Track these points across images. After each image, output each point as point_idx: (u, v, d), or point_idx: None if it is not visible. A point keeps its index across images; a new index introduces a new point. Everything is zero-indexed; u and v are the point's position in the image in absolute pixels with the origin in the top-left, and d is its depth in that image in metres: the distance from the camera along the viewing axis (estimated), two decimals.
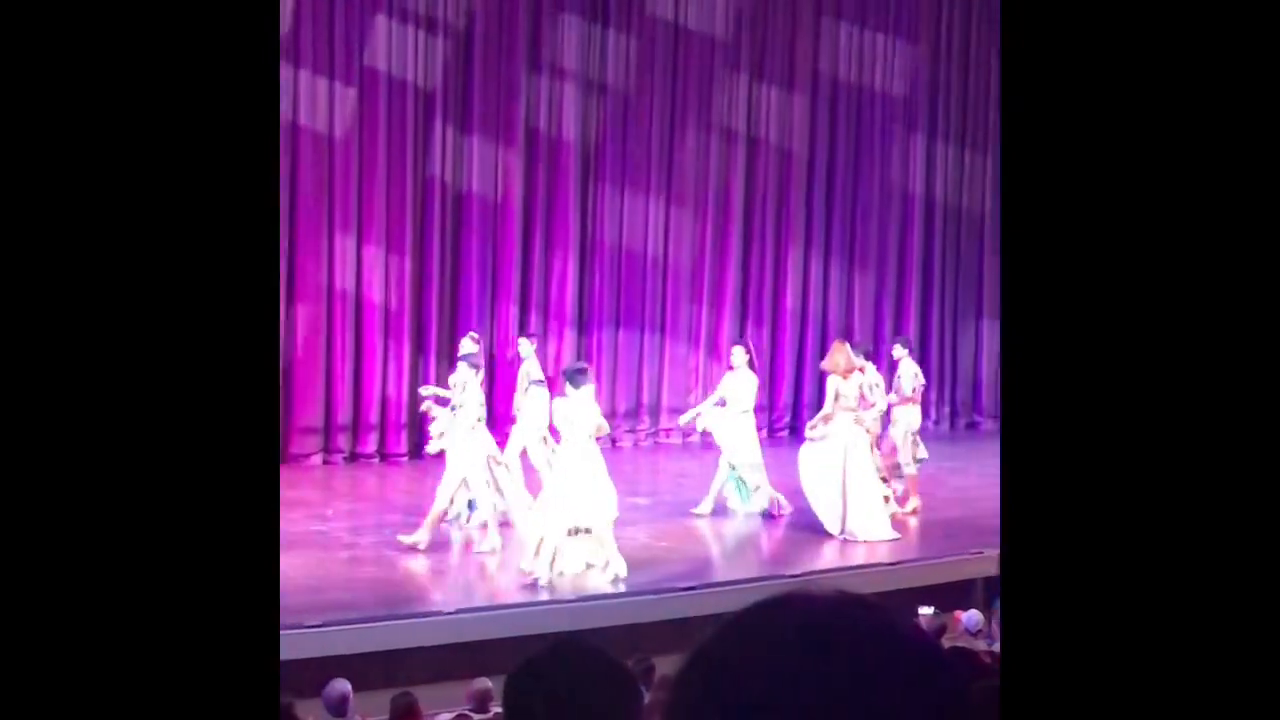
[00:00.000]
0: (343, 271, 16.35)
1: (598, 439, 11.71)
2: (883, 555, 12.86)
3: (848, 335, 16.60)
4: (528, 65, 17.32)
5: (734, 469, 14.05)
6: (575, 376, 11.72)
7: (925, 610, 10.76)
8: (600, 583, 11.54)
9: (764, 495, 13.99)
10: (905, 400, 14.53)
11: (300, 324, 16.12)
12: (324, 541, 12.70)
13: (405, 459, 16.54)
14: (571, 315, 17.84)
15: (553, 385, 13.53)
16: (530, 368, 13.95)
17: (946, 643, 9.39)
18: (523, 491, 13.25)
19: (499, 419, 14.96)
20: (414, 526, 12.33)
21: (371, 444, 16.64)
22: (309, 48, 16.03)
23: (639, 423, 18.48)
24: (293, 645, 9.56)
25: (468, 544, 12.75)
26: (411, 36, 16.62)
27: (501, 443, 13.46)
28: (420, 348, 16.84)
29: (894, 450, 14.43)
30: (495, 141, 17.19)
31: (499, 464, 12.80)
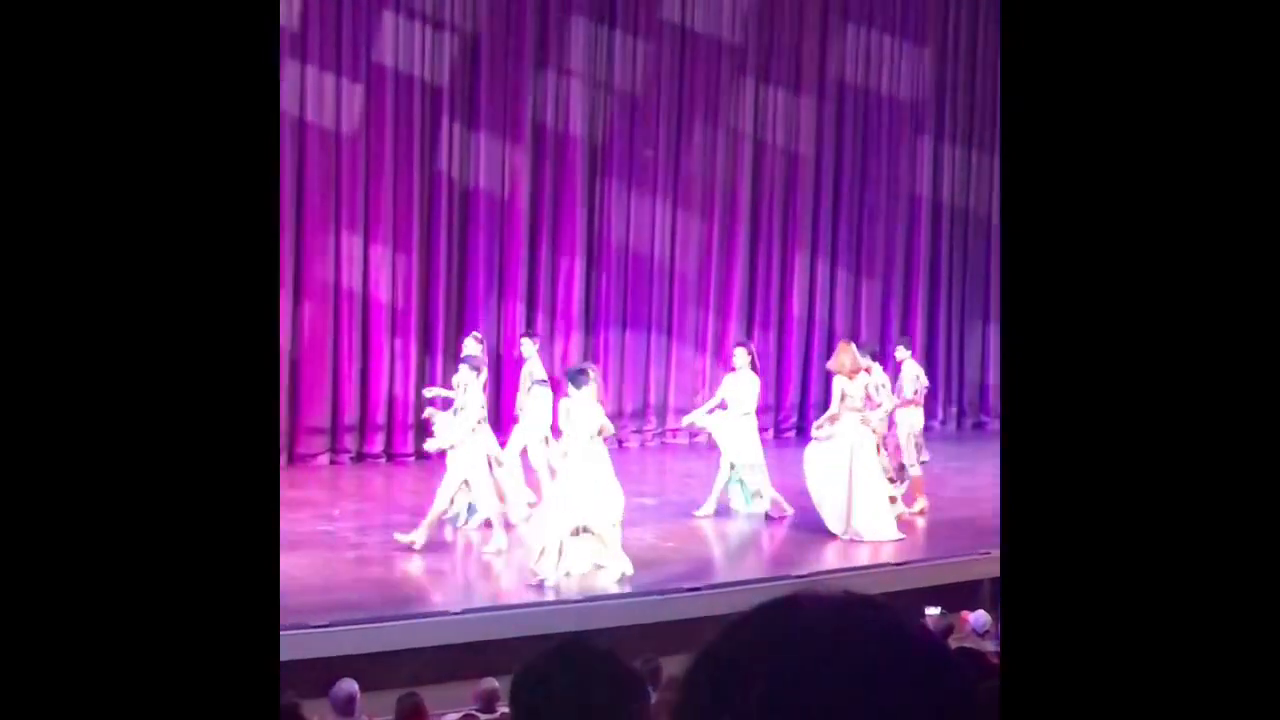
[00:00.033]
0: (349, 270, 16.36)
1: (604, 439, 11.72)
2: (888, 555, 12.86)
3: (854, 336, 16.59)
4: (535, 64, 17.32)
5: (734, 469, 14.02)
6: (576, 377, 11.76)
7: (932, 610, 10.75)
8: (606, 583, 11.54)
9: (765, 498, 13.95)
10: (907, 402, 14.52)
11: (307, 323, 16.12)
12: (331, 542, 12.71)
13: (412, 459, 16.54)
14: (578, 315, 17.84)
15: (557, 386, 13.52)
16: (533, 368, 13.95)
17: (953, 643, 9.38)
18: (522, 490, 13.24)
19: (504, 418, 14.96)
20: (418, 527, 12.35)
21: (378, 444, 16.65)
22: (316, 44, 16.01)
23: (645, 423, 18.48)
24: (299, 645, 9.58)
25: (468, 545, 12.75)
26: (419, 33, 16.61)
27: (504, 443, 13.47)
28: (427, 347, 16.84)
29: (898, 451, 14.42)
30: (502, 140, 17.19)
31: (499, 464, 12.80)
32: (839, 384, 13.44)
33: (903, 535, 13.38)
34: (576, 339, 17.79)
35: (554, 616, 10.69)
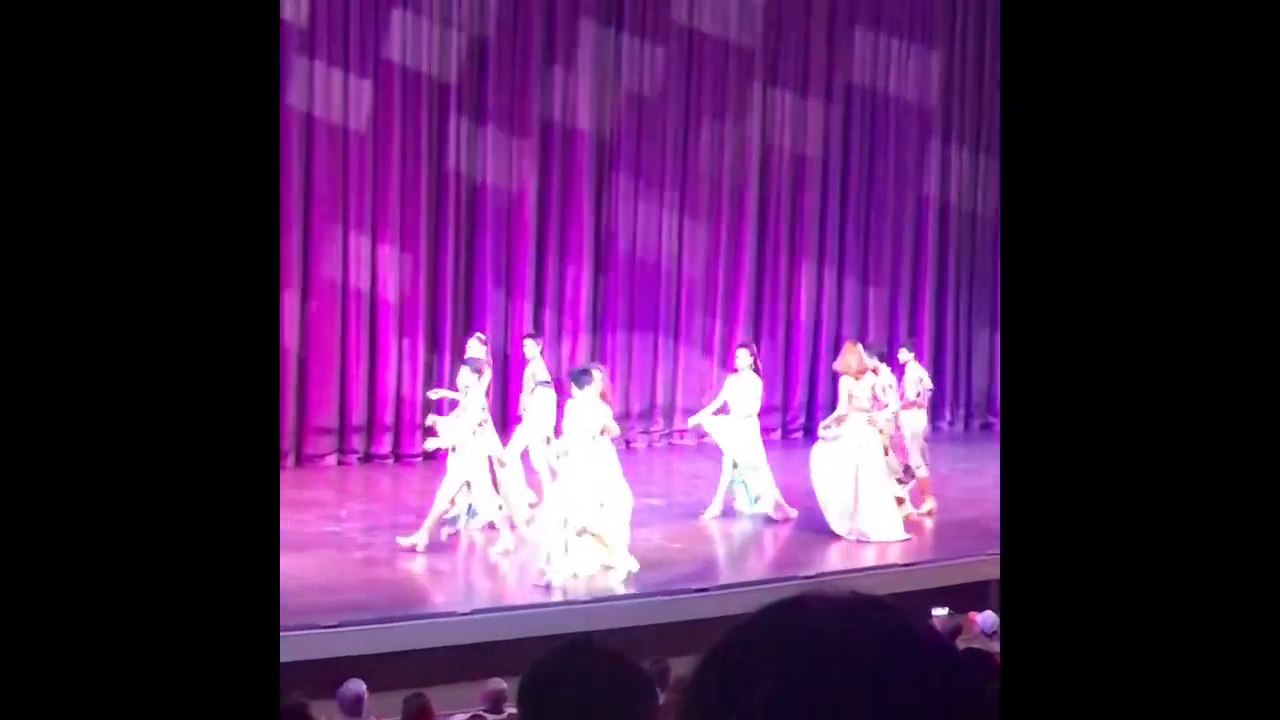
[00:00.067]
0: (357, 270, 16.35)
1: (611, 440, 11.72)
2: (896, 556, 12.85)
3: (861, 337, 16.58)
4: (543, 63, 17.31)
5: (737, 467, 13.99)
6: (579, 377, 11.79)
7: (939, 611, 10.74)
8: (614, 583, 11.55)
9: (768, 501, 13.90)
10: (910, 404, 14.50)
11: (314, 323, 16.12)
12: (338, 542, 12.72)
13: (419, 460, 16.54)
14: (586, 315, 17.83)
15: (561, 387, 13.52)
16: (536, 369, 13.95)
17: (961, 644, 9.37)
18: (523, 490, 13.23)
19: (510, 418, 14.96)
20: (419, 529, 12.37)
21: (386, 445, 16.65)
22: (324, 41, 16.00)
23: (653, 424, 18.47)
24: (307, 646, 9.60)
25: (474, 546, 12.76)
26: (427, 30, 16.59)
27: (507, 443, 13.46)
28: (435, 346, 16.84)
29: (904, 452, 14.40)
30: (510, 141, 17.18)
31: (501, 464, 12.80)
32: (845, 385, 13.43)
33: (909, 536, 13.36)
34: (584, 339, 17.78)
35: (562, 617, 10.70)
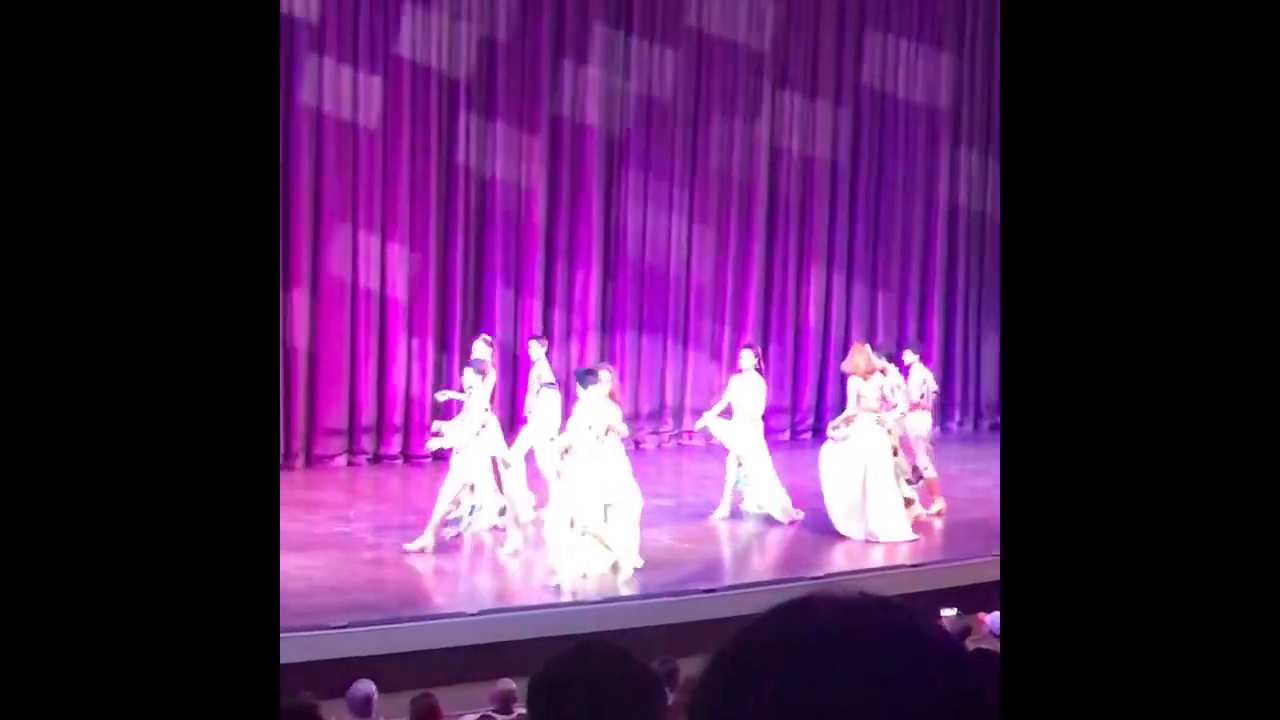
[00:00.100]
0: (366, 269, 16.35)
1: (620, 440, 11.72)
2: (904, 557, 12.84)
3: (871, 339, 16.56)
4: (552, 59, 17.30)
5: (741, 465, 13.97)
6: (584, 377, 11.80)
7: (948, 612, 10.73)
8: (618, 581, 11.55)
9: (773, 504, 13.88)
10: (915, 406, 14.48)
11: (324, 323, 16.12)
12: (347, 543, 12.73)
13: (428, 460, 16.54)
14: (595, 315, 17.82)
15: (568, 389, 13.51)
16: (541, 370, 13.94)
17: (970, 645, 9.36)
18: (526, 491, 13.23)
19: (518, 419, 14.96)
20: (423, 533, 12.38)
21: (395, 445, 16.66)
22: (334, 37, 15.99)
23: (662, 424, 18.46)
24: (317, 646, 9.62)
25: (482, 547, 12.76)
26: (436, 27, 16.57)
27: (512, 444, 13.45)
28: (444, 346, 16.83)
29: (911, 453, 14.39)
30: (519, 140, 17.18)
31: (505, 465, 12.80)
32: (854, 385, 13.43)
33: (917, 536, 13.36)
34: (593, 339, 17.77)
35: (571, 618, 10.70)
